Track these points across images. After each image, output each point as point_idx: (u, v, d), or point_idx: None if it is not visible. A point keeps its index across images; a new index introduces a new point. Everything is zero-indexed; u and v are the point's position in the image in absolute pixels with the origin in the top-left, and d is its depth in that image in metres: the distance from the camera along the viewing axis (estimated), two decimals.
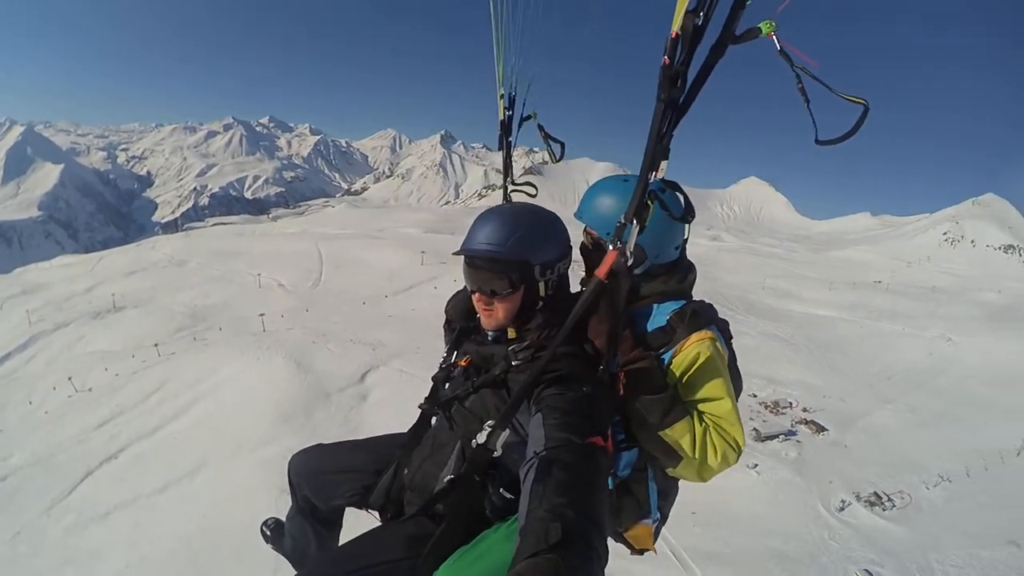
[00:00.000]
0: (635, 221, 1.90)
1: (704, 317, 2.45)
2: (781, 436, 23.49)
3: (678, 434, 2.18)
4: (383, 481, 2.62)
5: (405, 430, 3.00)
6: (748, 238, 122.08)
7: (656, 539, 2.67)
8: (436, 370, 2.74)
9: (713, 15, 1.53)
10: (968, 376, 34.89)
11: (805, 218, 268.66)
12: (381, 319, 26.27)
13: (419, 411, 2.69)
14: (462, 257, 2.28)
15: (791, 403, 26.75)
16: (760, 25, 1.49)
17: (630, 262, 1.96)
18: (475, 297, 2.35)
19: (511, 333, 2.34)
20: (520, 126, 3.05)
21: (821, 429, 24.72)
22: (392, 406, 16.27)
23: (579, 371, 2.06)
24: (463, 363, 2.47)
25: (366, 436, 3.20)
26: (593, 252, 2.68)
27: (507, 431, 2.06)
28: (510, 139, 3.08)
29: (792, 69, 1.53)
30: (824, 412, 26.68)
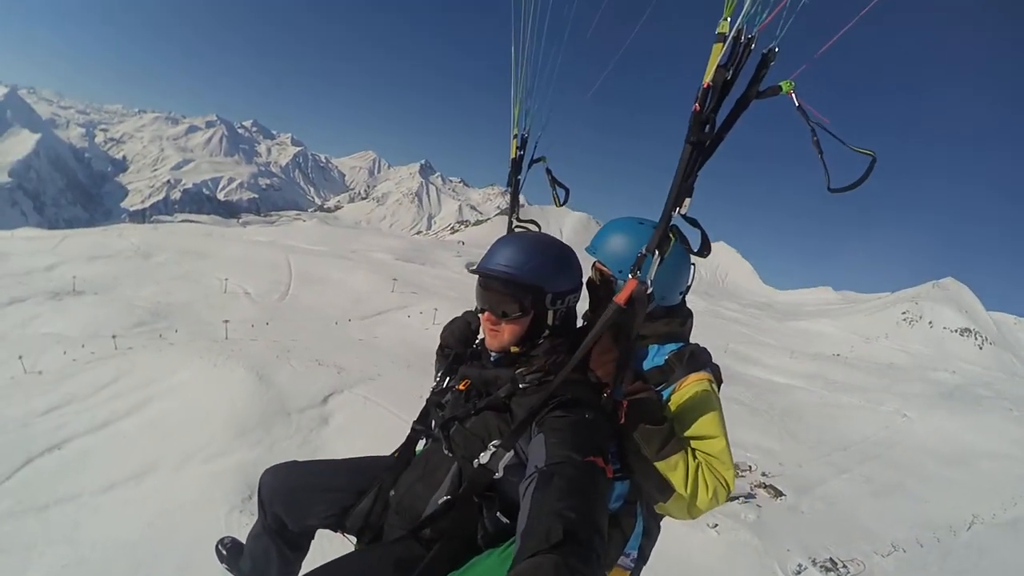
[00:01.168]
0: (656, 253, 2.04)
1: (701, 359, 2.59)
2: (741, 498, 23.38)
3: (672, 467, 2.23)
4: (364, 503, 2.61)
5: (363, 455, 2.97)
6: (713, 301, 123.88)
7: None
8: (425, 397, 2.73)
9: (741, 71, 1.77)
10: (921, 451, 35.68)
11: (768, 287, 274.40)
12: (347, 342, 25.50)
13: (410, 430, 2.72)
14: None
15: (750, 467, 26.77)
16: (781, 84, 1.72)
17: (650, 290, 2.07)
18: (484, 316, 2.41)
19: (514, 350, 2.39)
20: (529, 167, 3.17)
21: (779, 494, 24.79)
22: (354, 433, 15.57)
23: (584, 396, 2.13)
24: (460, 387, 2.50)
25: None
26: (601, 287, 2.80)
27: (510, 453, 2.15)
28: (519, 178, 3.18)
29: (808, 124, 1.70)
30: (782, 477, 26.81)
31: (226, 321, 23.83)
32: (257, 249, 45.89)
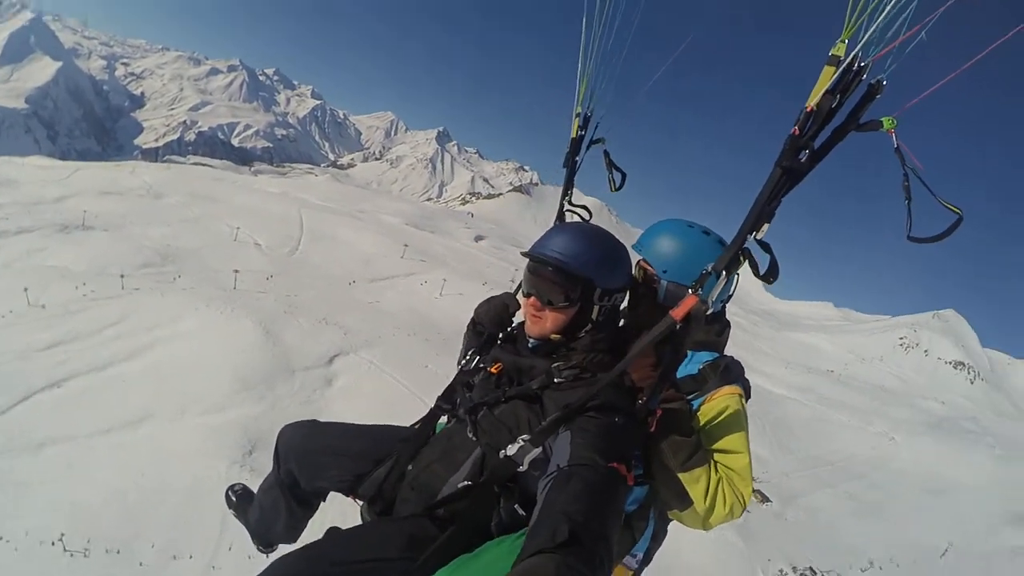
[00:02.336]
0: (724, 273, 1.97)
1: (735, 372, 2.56)
2: None
3: (695, 479, 2.21)
4: (379, 472, 2.57)
5: (381, 423, 2.93)
6: None
7: None
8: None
9: (847, 100, 1.64)
10: (904, 475, 36.03)
11: (770, 295, 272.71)
12: (354, 303, 25.25)
13: (433, 406, 2.66)
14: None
15: None
16: (883, 119, 1.60)
17: (709, 311, 2.05)
18: (528, 301, 2.35)
19: (555, 338, 2.32)
20: (588, 148, 3.02)
21: (765, 499, 25.15)
22: (358, 397, 15.57)
23: (618, 401, 2.09)
24: (493, 370, 2.44)
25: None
26: (641, 285, 2.73)
27: (538, 448, 2.09)
28: (576, 158, 3.04)
29: (903, 168, 1.60)
30: (769, 484, 27.07)
31: (236, 271, 23.82)
32: (269, 200, 45.60)
